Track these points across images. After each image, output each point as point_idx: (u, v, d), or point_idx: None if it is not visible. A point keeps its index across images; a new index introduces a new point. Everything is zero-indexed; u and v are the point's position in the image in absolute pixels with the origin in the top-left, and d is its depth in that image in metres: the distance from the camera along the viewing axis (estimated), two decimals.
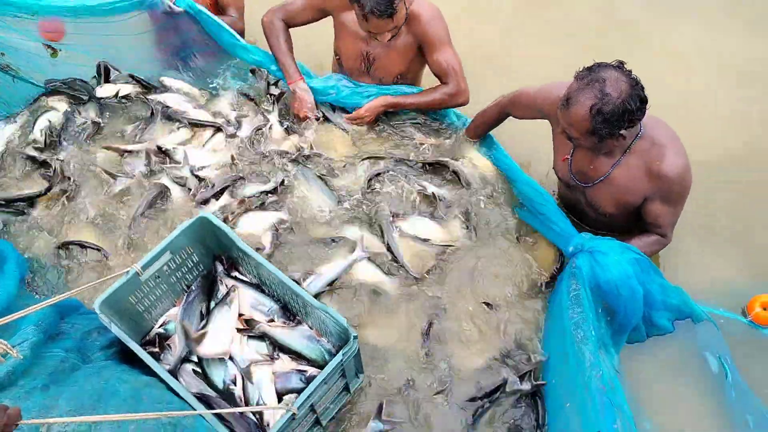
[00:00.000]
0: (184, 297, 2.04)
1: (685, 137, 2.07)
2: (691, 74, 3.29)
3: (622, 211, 2.20)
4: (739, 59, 3.33)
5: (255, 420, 1.82)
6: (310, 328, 1.97)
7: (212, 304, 2.03)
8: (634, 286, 1.97)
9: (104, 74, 2.84)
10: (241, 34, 2.86)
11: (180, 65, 2.91)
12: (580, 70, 1.93)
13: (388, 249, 2.25)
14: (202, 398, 1.74)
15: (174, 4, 2.69)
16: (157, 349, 1.92)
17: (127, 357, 1.77)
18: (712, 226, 2.66)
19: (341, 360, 1.70)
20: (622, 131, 1.92)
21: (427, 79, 2.72)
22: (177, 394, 1.66)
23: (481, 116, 2.55)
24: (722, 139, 2.95)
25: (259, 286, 2.06)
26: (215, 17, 2.71)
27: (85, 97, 2.74)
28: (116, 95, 2.75)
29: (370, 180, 2.43)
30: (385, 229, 2.27)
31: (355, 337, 1.72)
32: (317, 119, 2.65)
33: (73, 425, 1.43)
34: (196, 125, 2.64)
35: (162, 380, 1.68)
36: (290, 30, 2.69)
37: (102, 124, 2.68)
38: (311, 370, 1.88)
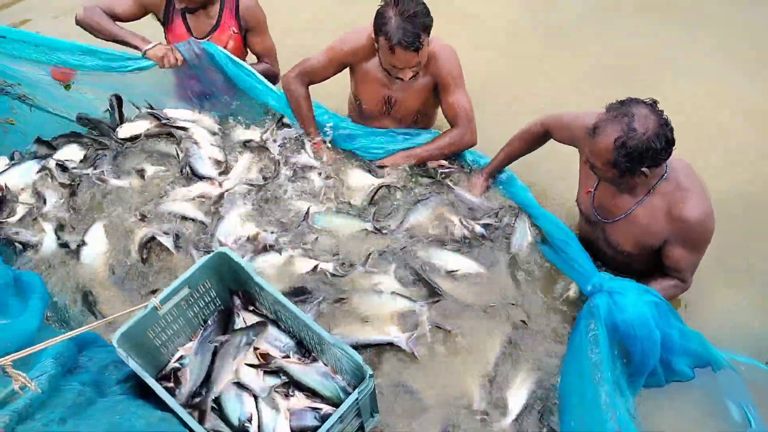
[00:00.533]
0: (201, 332, 2.04)
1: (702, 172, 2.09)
2: (705, 112, 3.30)
3: (640, 251, 2.19)
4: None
5: None
6: (326, 365, 1.96)
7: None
8: (650, 328, 1.94)
9: (117, 107, 2.75)
10: (277, 77, 2.87)
11: (200, 107, 2.85)
12: (613, 102, 1.96)
13: (433, 291, 2.24)
14: None
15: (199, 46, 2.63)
16: (172, 384, 1.92)
17: (143, 391, 1.76)
18: (734, 269, 2.62)
19: (357, 398, 1.68)
20: (644, 169, 1.93)
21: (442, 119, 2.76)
22: (192, 430, 1.65)
23: (519, 137, 2.54)
24: (744, 178, 2.94)
25: (275, 322, 2.05)
26: (246, 65, 2.70)
27: (107, 141, 2.70)
28: (138, 134, 2.69)
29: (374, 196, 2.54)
30: (426, 274, 2.30)
31: (371, 375, 1.70)
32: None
33: None
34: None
35: (177, 416, 1.67)
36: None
37: (118, 164, 2.63)
38: (326, 408, 1.86)
